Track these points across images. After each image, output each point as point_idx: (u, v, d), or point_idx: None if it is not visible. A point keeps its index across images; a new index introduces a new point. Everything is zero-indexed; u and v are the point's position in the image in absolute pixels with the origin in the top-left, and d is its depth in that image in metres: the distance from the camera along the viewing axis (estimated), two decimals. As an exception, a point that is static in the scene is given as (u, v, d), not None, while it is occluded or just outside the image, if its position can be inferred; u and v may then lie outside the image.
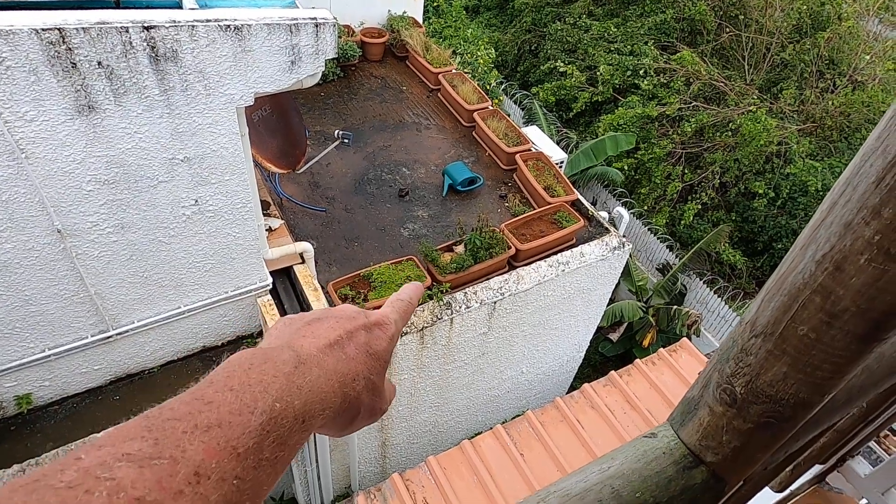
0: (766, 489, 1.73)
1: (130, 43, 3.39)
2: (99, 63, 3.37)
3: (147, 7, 3.79)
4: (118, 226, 4.07)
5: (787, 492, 1.88)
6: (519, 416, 5.57)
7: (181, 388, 5.06)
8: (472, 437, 5.24)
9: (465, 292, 5.80)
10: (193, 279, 4.70)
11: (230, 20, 3.60)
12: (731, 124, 11.54)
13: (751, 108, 11.58)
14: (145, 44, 3.42)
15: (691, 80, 12.33)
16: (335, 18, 4.01)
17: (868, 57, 12.71)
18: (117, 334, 4.62)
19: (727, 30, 13.25)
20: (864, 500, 2.33)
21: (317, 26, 3.90)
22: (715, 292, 10.23)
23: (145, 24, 3.38)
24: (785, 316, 0.51)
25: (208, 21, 3.55)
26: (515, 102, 13.47)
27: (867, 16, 13.51)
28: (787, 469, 1.48)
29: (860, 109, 11.66)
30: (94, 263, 4.16)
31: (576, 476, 0.61)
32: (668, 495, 0.61)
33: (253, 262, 4.90)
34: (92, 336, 4.55)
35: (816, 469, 2.07)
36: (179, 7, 3.89)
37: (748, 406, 0.57)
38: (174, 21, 3.45)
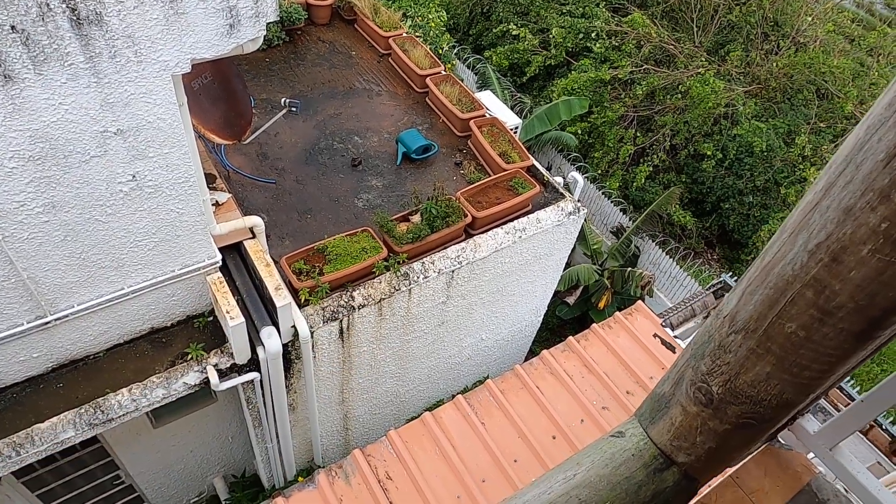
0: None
1: (48, 5, 3.10)
2: (13, 27, 3.08)
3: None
4: (48, 205, 3.79)
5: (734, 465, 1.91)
6: (479, 383, 5.60)
7: (129, 371, 4.86)
8: (434, 408, 5.25)
9: (423, 262, 5.73)
10: (136, 259, 4.47)
11: (159, -21, 3.33)
12: (680, 87, 11.66)
13: (699, 71, 11.71)
14: (65, 6, 3.13)
15: (642, 42, 12.35)
16: (275, -22, 3.77)
17: (810, 19, 12.98)
18: (56, 320, 4.37)
19: (677, -9, 13.27)
20: (812, 455, 2.41)
21: (255, -14, 3.65)
22: (667, 253, 10.47)
23: (63, -16, 3.08)
24: (770, 311, 0.45)
25: (135, -20, 3.27)
26: (468, 67, 13.24)
27: (810, -23, 13.74)
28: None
29: (802, 70, 11.94)
30: (25, 246, 3.89)
31: (539, 487, 0.55)
32: (638, 502, 0.56)
33: (200, 239, 4.68)
34: (28, 322, 4.28)
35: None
36: (102, -35, 3.57)
37: (725, 407, 0.52)
38: (96, -20, 3.17)
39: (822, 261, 0.40)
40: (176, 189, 4.24)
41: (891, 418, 8.42)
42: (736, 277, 8.76)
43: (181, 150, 4.06)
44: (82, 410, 4.61)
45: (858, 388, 8.65)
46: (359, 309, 5.40)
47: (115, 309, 4.68)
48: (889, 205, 0.35)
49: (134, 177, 3.99)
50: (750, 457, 2.32)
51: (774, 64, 12.12)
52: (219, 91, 5.16)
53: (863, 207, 0.37)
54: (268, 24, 3.86)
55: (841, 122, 11.86)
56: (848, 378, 9.07)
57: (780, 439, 2.46)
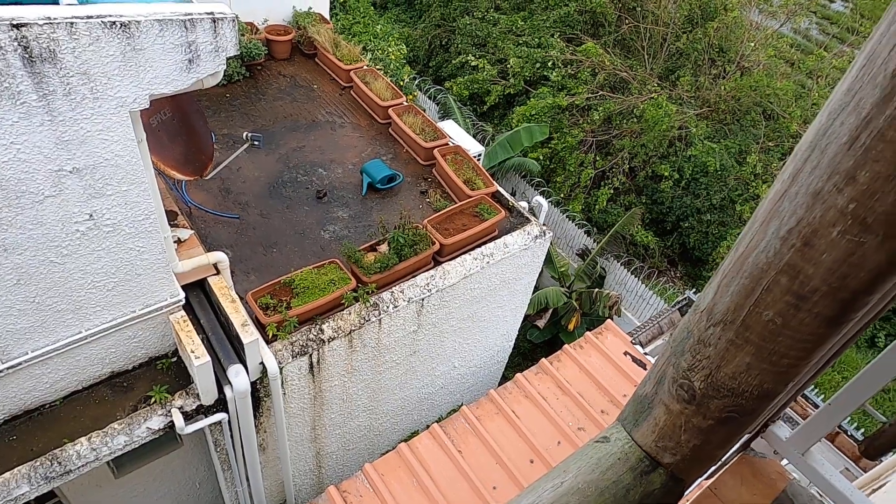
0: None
1: (-2, 43, 3.03)
2: (-40, 66, 3.00)
3: (17, 3, 3.41)
4: (-1, 248, 3.65)
5: (718, 463, 1.92)
6: (454, 411, 5.53)
7: (88, 419, 4.64)
8: (409, 439, 5.15)
9: (392, 291, 5.69)
10: (95, 300, 4.31)
11: (115, 16, 3.30)
12: (635, 111, 12.05)
13: (652, 96, 12.14)
14: (16, 44, 3.07)
15: (597, 70, 12.76)
16: (235, 14, 3.78)
17: (752, 45, 13.65)
18: (7, 368, 4.16)
19: (626, 21, 13.82)
20: (785, 461, 2.44)
21: (214, 21, 3.65)
22: (632, 273, 10.66)
23: (14, 22, 3.02)
24: (747, 301, 0.46)
25: (90, 18, 3.23)
26: (430, 98, 13.43)
27: (749, 6, 14.50)
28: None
29: (748, 93, 12.50)
30: (-26, 292, 3.72)
31: (529, 497, 0.54)
32: (627, 506, 0.56)
33: (161, 278, 4.56)
34: (-22, 372, 4.08)
35: (744, 438, 2.14)
36: (56, 2, 3.53)
37: (708, 401, 0.52)
38: (49, 18, 3.12)
39: (794, 246, 0.41)
40: (135, 227, 4.13)
41: (855, 424, 8.63)
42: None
43: (140, 188, 3.97)
44: (38, 463, 4.37)
45: (822, 397, 8.86)
46: (329, 342, 5.31)
47: (73, 354, 4.49)
48: (855, 186, 0.37)
49: (91, 216, 3.87)
50: (725, 468, 2.34)
51: (722, 87, 12.66)
52: (178, 127, 5.10)
53: (830, 190, 0.38)
54: (228, 59, 3.85)
55: (788, 141, 12.41)
56: (813, 387, 9.30)
57: (753, 448, 2.49)
